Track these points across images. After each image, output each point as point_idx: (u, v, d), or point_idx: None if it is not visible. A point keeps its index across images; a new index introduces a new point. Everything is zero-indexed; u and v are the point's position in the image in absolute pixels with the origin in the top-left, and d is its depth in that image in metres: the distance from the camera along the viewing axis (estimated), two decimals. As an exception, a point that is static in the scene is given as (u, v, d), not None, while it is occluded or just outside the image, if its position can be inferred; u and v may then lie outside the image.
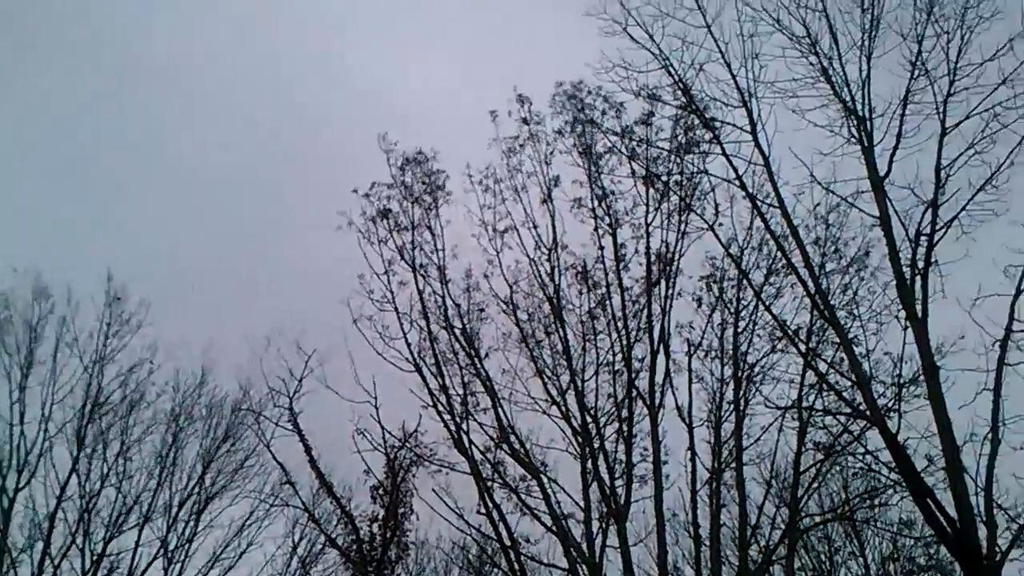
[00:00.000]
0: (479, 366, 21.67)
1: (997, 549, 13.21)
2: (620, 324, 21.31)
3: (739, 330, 21.08)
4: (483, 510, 20.64)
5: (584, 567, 19.78)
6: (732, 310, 21.21)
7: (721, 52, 15.71)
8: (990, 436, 13.70)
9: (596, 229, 21.70)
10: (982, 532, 13.26)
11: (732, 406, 20.58)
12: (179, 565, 22.48)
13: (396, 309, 21.86)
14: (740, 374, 20.80)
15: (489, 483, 20.90)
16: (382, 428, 21.88)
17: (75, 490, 22.75)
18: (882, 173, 14.96)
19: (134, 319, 23.96)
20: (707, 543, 19.98)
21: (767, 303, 19.39)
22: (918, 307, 14.19)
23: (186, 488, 23.14)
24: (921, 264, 14.42)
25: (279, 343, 22.67)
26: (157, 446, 23.43)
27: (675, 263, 21.48)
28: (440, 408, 21.33)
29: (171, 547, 22.52)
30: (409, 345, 21.70)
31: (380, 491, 22.01)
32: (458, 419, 21.28)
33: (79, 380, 23.42)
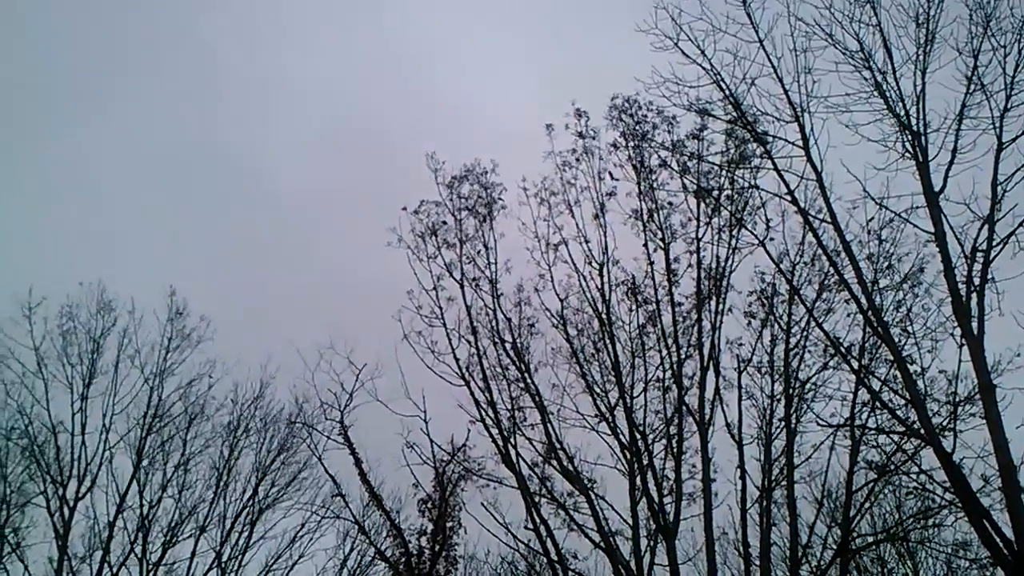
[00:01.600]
0: (529, 380, 21.76)
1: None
2: (670, 340, 21.26)
3: (790, 346, 20.90)
4: (531, 525, 20.71)
5: (633, 583, 19.72)
6: (783, 326, 21.04)
7: (773, 67, 15.65)
8: (1048, 458, 13.45)
9: (647, 244, 21.72)
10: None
11: (783, 423, 20.40)
12: (232, 575, 22.82)
13: (444, 324, 22.15)
14: (791, 391, 20.62)
15: (537, 498, 20.96)
16: (431, 442, 22.12)
17: (135, 500, 23.27)
18: (937, 188, 14.77)
19: (194, 334, 24.54)
20: (757, 562, 19.78)
21: (819, 319, 19.27)
22: (974, 324, 13.95)
23: (241, 499, 23.55)
24: (977, 280, 14.18)
25: (332, 358, 23.02)
26: (214, 458, 23.94)
27: (726, 279, 21.42)
28: (488, 423, 21.50)
29: (225, 557, 22.87)
30: (457, 360, 21.93)
31: (428, 505, 22.14)
32: (506, 433, 21.40)
33: (140, 392, 24.04)
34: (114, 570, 22.46)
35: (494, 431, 21.40)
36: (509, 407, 21.70)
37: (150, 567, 22.56)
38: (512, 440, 21.40)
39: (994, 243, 14.33)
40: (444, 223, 22.71)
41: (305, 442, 23.60)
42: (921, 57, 15.21)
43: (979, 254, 14.31)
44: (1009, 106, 14.72)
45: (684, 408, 20.90)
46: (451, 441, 22.30)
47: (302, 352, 23.09)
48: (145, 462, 23.46)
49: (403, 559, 21.82)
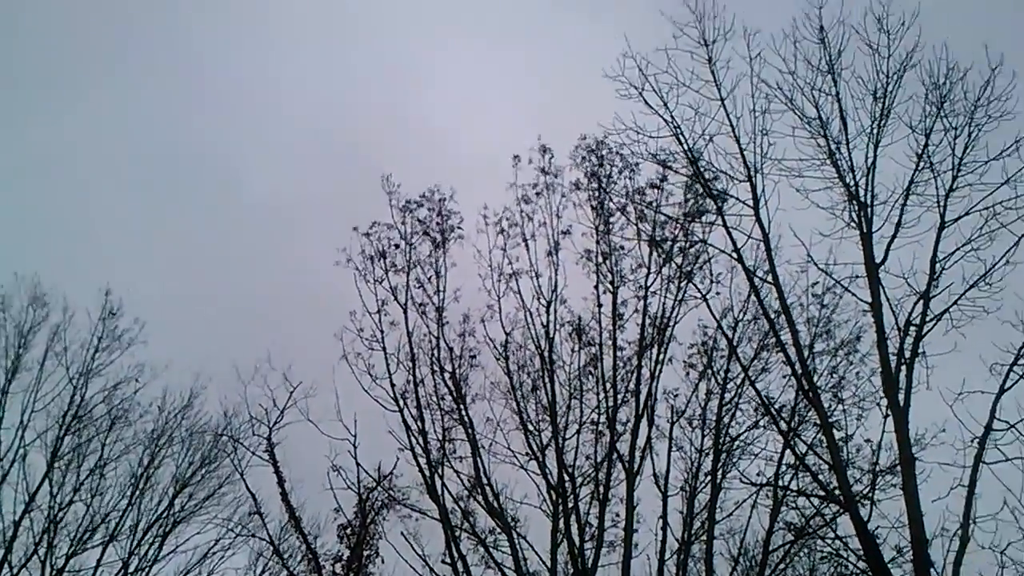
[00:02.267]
0: (463, 412, 21.63)
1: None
2: (608, 384, 21.32)
3: (724, 402, 21.09)
4: (449, 560, 20.48)
5: (546, 628, 19.57)
6: (719, 381, 21.23)
7: (732, 126, 15.91)
8: (960, 533, 13.62)
9: (597, 286, 21.79)
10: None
11: (709, 478, 20.51)
12: (139, 587, 22.13)
13: (384, 348, 21.93)
14: (720, 446, 20.76)
15: (458, 532, 20.78)
16: (358, 466, 21.79)
17: (45, 500, 22.52)
18: (878, 259, 15.05)
19: (127, 335, 23.86)
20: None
21: (753, 378, 19.46)
22: (901, 396, 14.20)
23: (156, 510, 22.88)
24: (908, 354, 14.45)
25: (268, 372, 22.67)
26: (133, 465, 23.21)
27: (669, 329, 21.58)
28: (417, 452, 21.32)
29: (132, 569, 22.14)
30: (393, 386, 21.74)
31: (348, 531, 21.77)
32: (433, 464, 21.22)
33: (63, 391, 23.30)
34: (14, 571, 21.67)
35: (422, 460, 21.26)
36: (440, 437, 21.56)
37: (53, 572, 21.79)
38: (439, 471, 21.25)
39: (928, 319, 14.65)
40: (397, 246, 22.61)
41: (229, 456, 23.12)
42: (875, 130, 15.60)
43: (912, 328, 14.61)
44: (955, 186, 15.13)
45: (615, 454, 20.89)
46: (378, 468, 22.03)
47: (238, 364, 22.76)
48: (60, 463, 22.72)
49: (316, 584, 21.44)
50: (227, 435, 23.23)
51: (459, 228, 22.66)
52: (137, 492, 22.82)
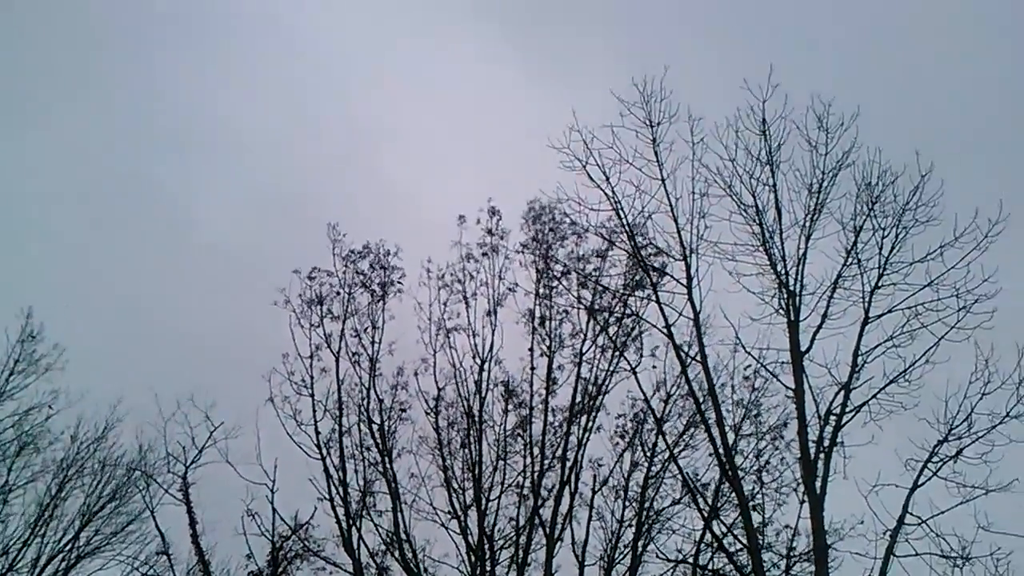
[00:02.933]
0: (388, 465, 21.46)
1: None
2: (536, 448, 21.35)
3: (649, 475, 21.22)
4: (359, 616, 20.17)
5: None
6: (646, 454, 21.39)
7: (671, 205, 16.32)
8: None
9: (532, 348, 21.94)
10: None
11: (628, 549, 20.55)
12: (35, 623, 21.23)
13: (313, 395, 21.78)
14: (642, 519, 20.85)
15: (371, 588, 20.44)
16: (274, 513, 21.37)
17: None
18: (804, 348, 15.44)
19: (44, 360, 23.16)
20: None
21: (678, 455, 19.64)
22: (818, 484, 14.47)
23: (59, 542, 22.04)
24: (827, 442, 14.78)
25: (189, 410, 22.23)
26: (39, 494, 22.41)
27: (600, 397, 21.76)
28: (336, 502, 21.05)
29: (28, 604, 21.30)
30: (318, 433, 21.52)
31: (257, 579, 21.31)
32: (352, 517, 20.96)
33: (-28, 413, 22.46)
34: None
35: (341, 512, 20.98)
36: (361, 489, 21.31)
37: (-56, 601, 20.84)
38: (357, 524, 20.98)
39: (847, 409, 15.02)
40: (337, 294, 22.57)
41: (141, 492, 22.47)
42: (808, 223, 16.08)
43: (832, 417, 14.96)
44: (880, 284, 15.65)
45: (537, 519, 20.85)
46: (295, 516, 21.61)
47: (160, 399, 22.30)
48: (-37, 488, 21.86)
49: (220, 634, 20.86)
50: (141, 470, 22.61)
51: (400, 283, 22.78)
52: (42, 522, 21.98)
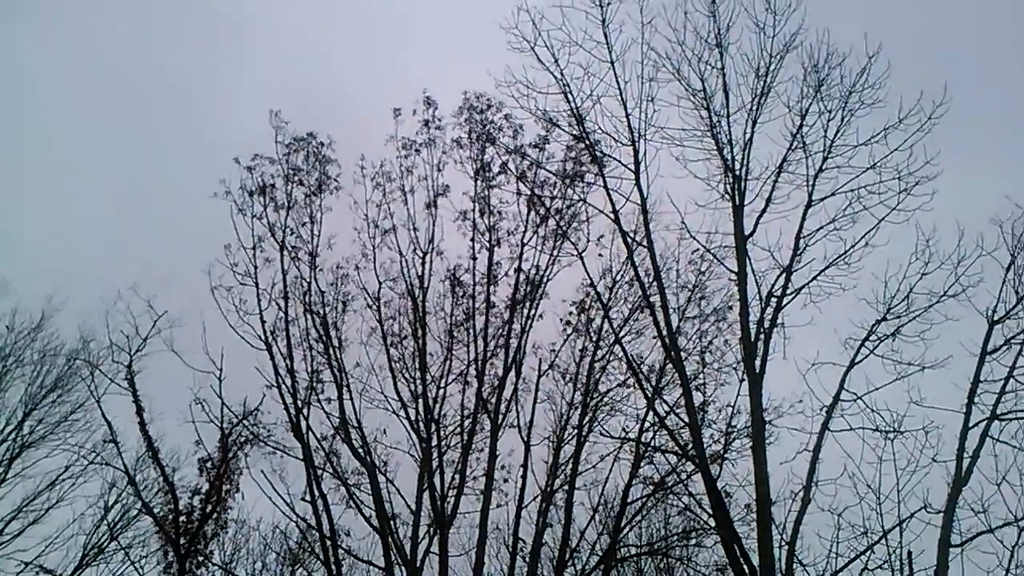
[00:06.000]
0: (333, 354, 21.53)
1: (792, 602, 13.91)
2: (480, 339, 21.56)
3: (596, 359, 21.63)
4: (309, 498, 20.49)
5: (403, 568, 19.84)
6: (592, 339, 21.76)
7: (619, 89, 16.10)
8: (802, 494, 14.47)
9: (474, 241, 21.94)
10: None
11: (575, 431, 21.08)
12: (-19, 511, 21.19)
13: (257, 285, 21.64)
14: (588, 401, 21.34)
15: (320, 472, 20.76)
16: (222, 401, 21.41)
17: None
18: (747, 232, 15.60)
19: (-27, 250, 22.64)
20: (526, 559, 20.35)
21: (622, 338, 19.99)
22: (758, 363, 14.85)
23: (2, 433, 21.87)
24: (767, 323, 15.11)
25: (131, 299, 21.93)
26: (-22, 386, 22.11)
27: (542, 286, 21.97)
28: (284, 390, 21.15)
29: (-25, 491, 21.22)
30: (264, 322, 21.50)
31: (208, 464, 21.44)
32: (300, 404, 21.11)
33: (-97, 304, 21.92)
34: None
35: (288, 399, 21.11)
36: (308, 378, 21.40)
37: None
38: (305, 411, 21.15)
39: (788, 291, 15.31)
40: (273, 186, 22.18)
41: (85, 381, 22.30)
42: (755, 107, 16.02)
43: (773, 299, 15.26)
44: (824, 167, 15.75)
45: (482, 404, 21.21)
46: (243, 404, 21.71)
47: (100, 289, 21.95)
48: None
49: (171, 516, 21.03)
50: (84, 360, 22.41)
51: (336, 180, 22.46)
52: (-18, 414, 21.78)
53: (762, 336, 15.06)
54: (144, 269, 22.27)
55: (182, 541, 20.69)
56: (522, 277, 21.83)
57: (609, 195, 16.21)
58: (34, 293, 23.20)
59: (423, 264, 21.91)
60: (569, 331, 21.99)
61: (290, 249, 21.93)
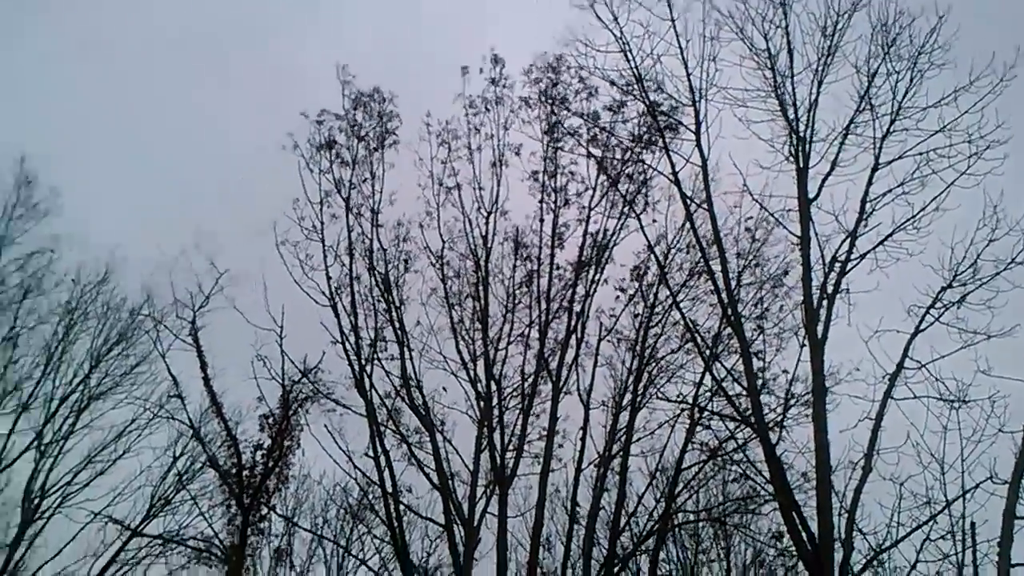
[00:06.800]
0: (394, 313, 21.68)
1: (850, 569, 13.75)
2: (543, 300, 21.52)
3: (652, 324, 21.48)
4: (371, 454, 20.74)
5: (461, 527, 20.05)
6: (648, 305, 21.60)
7: (680, 48, 15.89)
8: (863, 463, 14.23)
9: (542, 202, 21.80)
10: (840, 553, 13.78)
11: (633, 397, 21.01)
12: (51, 460, 21.81)
13: (323, 240, 21.68)
14: (645, 367, 21.23)
15: (383, 429, 20.99)
16: (284, 357, 21.73)
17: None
18: (812, 195, 15.30)
19: (42, 205, 23.20)
20: (583, 522, 20.43)
21: (680, 303, 19.79)
22: (820, 329, 14.60)
23: (70, 384, 22.55)
24: (830, 288, 14.83)
25: (192, 257, 22.34)
26: (47, 337, 22.75)
27: (608, 251, 21.82)
28: (348, 347, 21.30)
29: (46, 441, 21.91)
30: (329, 279, 21.55)
31: (270, 420, 21.87)
32: (364, 361, 21.26)
33: (-26, 258, 22.58)
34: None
35: (352, 356, 21.24)
36: (372, 336, 21.60)
37: (-40, 439, 21.46)
38: (368, 368, 21.30)
39: (853, 256, 14.99)
40: (335, 143, 22.25)
41: (149, 335, 22.84)
42: (821, 67, 15.67)
43: (837, 264, 14.96)
44: (892, 129, 15.38)
45: (543, 368, 21.21)
46: (304, 361, 22.03)
47: (160, 245, 22.33)
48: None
49: (234, 469, 21.54)
50: (148, 315, 22.94)
51: (394, 135, 22.34)
52: (51, 364, 22.44)
53: (825, 301, 14.78)
54: (204, 229, 22.56)
55: (246, 495, 21.16)
56: (588, 240, 21.66)
57: (669, 155, 16.04)
58: (99, 248, 23.76)
59: (487, 224, 21.86)
60: (628, 296, 21.83)
61: (354, 206, 22.00)
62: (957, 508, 14.50)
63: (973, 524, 14.38)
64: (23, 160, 23.29)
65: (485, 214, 21.86)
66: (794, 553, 18.42)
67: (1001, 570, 13.24)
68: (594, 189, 21.73)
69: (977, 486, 14.24)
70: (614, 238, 21.73)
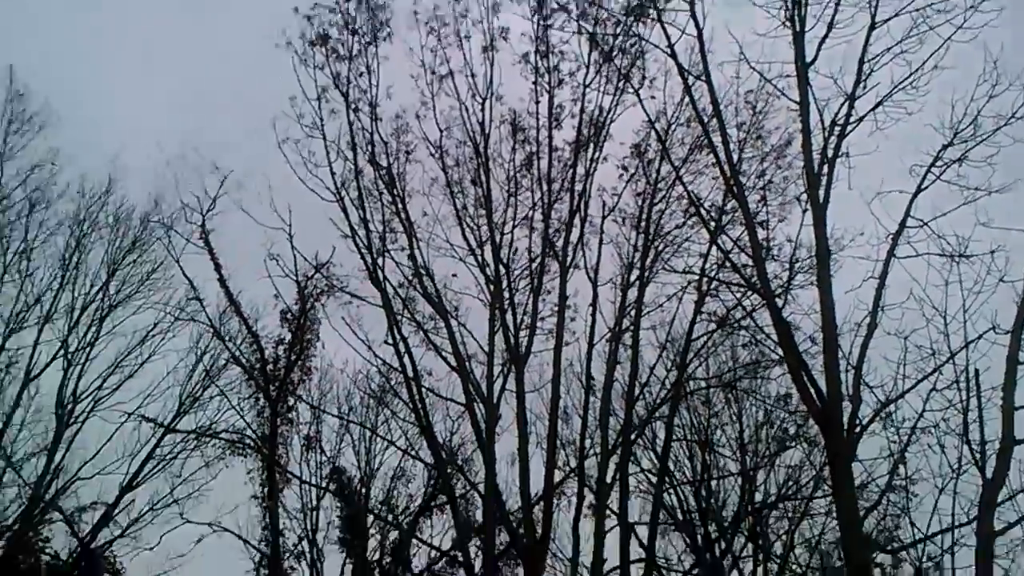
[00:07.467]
0: (400, 206, 21.87)
1: (858, 422, 14.29)
2: (544, 182, 21.64)
3: (655, 200, 21.68)
4: (390, 341, 21.30)
5: (481, 405, 20.74)
6: (651, 181, 21.75)
7: (669, -91, 15.47)
8: (868, 320, 14.63)
9: (536, 84, 21.67)
10: (849, 408, 14.29)
11: (640, 272, 21.39)
12: (79, 367, 22.43)
13: (324, 136, 21.72)
14: (650, 243, 21.54)
15: (399, 318, 21.48)
16: (295, 255, 22.10)
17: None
18: (809, 59, 15.15)
19: (36, 119, 23.03)
20: (598, 394, 21.12)
21: (681, 175, 19.91)
22: (821, 194, 14.74)
23: (89, 293, 22.88)
24: (831, 152, 14.86)
25: (195, 160, 22.44)
26: (60, 248, 22.96)
27: (606, 128, 21.82)
28: (358, 241, 21.61)
29: (71, 349, 22.45)
30: (334, 174, 21.71)
31: (289, 315, 22.35)
32: (375, 253, 21.59)
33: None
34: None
35: (363, 249, 21.57)
36: (380, 229, 21.85)
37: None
38: (380, 261, 21.67)
39: (852, 119, 14.95)
40: (330, 36, 21.96)
41: (160, 240, 23.15)
42: (816, -76, 15.22)
43: (837, 128, 14.91)
44: (888, -15, 15.04)
45: (549, 247, 21.52)
46: (315, 257, 22.40)
47: (162, 151, 22.42)
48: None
49: (258, 365, 22.14)
50: (158, 221, 23.18)
51: (388, 26, 22.07)
52: (68, 275, 22.75)
53: (825, 166, 14.87)
54: (202, 132, 22.51)
55: (271, 387, 21.82)
56: (585, 119, 21.64)
57: (664, 29, 15.82)
58: (99, 159, 23.75)
59: (483, 110, 21.80)
60: (629, 173, 21.97)
61: (353, 100, 21.89)
62: (961, 358, 14.95)
63: (977, 372, 14.84)
64: (11, 71, 23.05)
65: (480, 100, 21.79)
66: (804, 412, 19.17)
67: (1005, 413, 13.81)
68: (588, 66, 21.62)
69: (980, 336, 14.63)
70: (611, 115, 21.76)
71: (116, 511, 22.39)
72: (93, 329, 22.72)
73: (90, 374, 22.60)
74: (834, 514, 18.17)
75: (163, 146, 22.40)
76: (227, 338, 22.55)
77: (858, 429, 14.23)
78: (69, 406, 22.17)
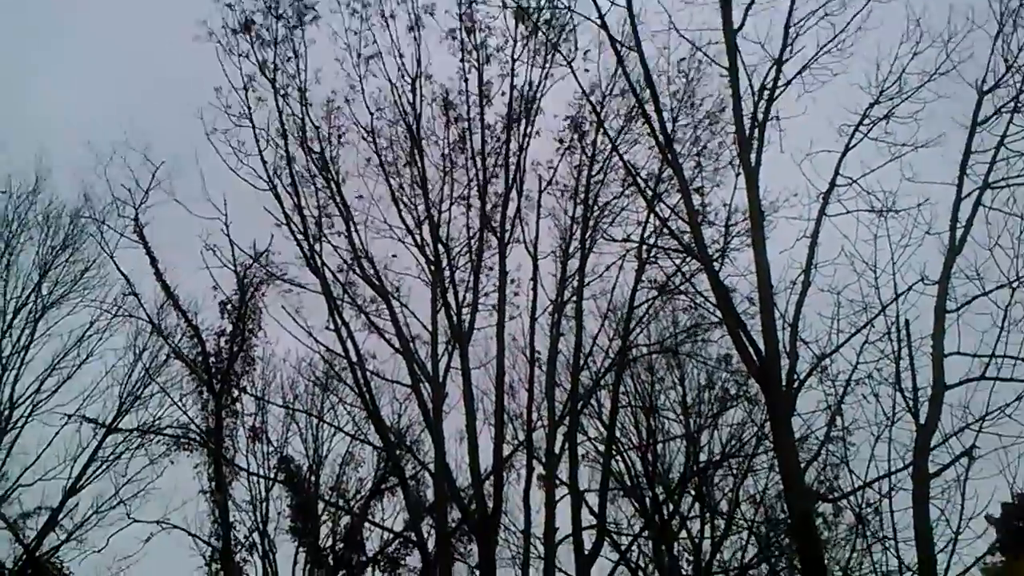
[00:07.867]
0: (335, 189, 21.73)
1: (796, 378, 14.76)
2: (479, 159, 21.69)
3: (593, 172, 21.91)
4: (332, 327, 21.21)
5: (427, 385, 20.82)
6: (588, 153, 21.95)
7: None
8: (802, 278, 15.11)
9: (463, 61, 21.61)
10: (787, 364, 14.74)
11: (580, 243, 21.63)
12: (14, 372, 21.89)
13: (253, 125, 21.35)
14: (589, 214, 21.79)
15: (339, 302, 21.41)
16: (232, 245, 21.83)
17: None
18: (736, 25, 15.45)
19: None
20: (543, 367, 21.36)
21: (617, 146, 20.16)
22: (752, 157, 15.10)
23: (22, 296, 22.32)
24: (761, 116, 15.23)
25: (126, 153, 22.00)
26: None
27: (536, 102, 21.85)
28: (294, 228, 21.43)
29: (6, 353, 21.90)
30: (265, 163, 21.43)
31: (229, 306, 22.12)
32: (312, 239, 21.45)
33: None
34: None
35: (299, 236, 21.39)
36: (316, 214, 21.69)
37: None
38: (318, 246, 21.52)
39: (780, 83, 15.34)
40: (253, 23, 21.61)
41: (93, 237, 22.67)
42: None
43: (766, 92, 15.29)
44: (811, -51, 15.37)
45: (487, 223, 21.63)
46: (253, 246, 22.16)
47: (91, 145, 21.94)
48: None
49: (200, 358, 21.90)
50: (90, 217, 22.70)
51: (314, 9, 21.70)
52: (-1, 279, 22.21)
53: (756, 130, 15.22)
54: (131, 123, 22.09)
55: (214, 380, 21.62)
56: (515, 94, 21.66)
57: (594, 1, 15.95)
58: (26, 156, 23.14)
59: (413, 90, 21.70)
60: (565, 146, 22.12)
61: (281, 87, 21.60)
62: (892, 310, 15.57)
63: (907, 322, 15.41)
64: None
65: (410, 80, 21.66)
66: (744, 371, 19.66)
67: (935, 360, 14.41)
68: (515, 40, 21.59)
69: (909, 288, 15.29)
70: (540, 88, 21.75)
71: (61, 515, 21.95)
72: (27, 332, 22.23)
73: (27, 377, 22.12)
74: (777, 468, 18.68)
75: (92, 141, 21.91)
76: (167, 333, 22.25)
77: (796, 384, 14.76)
78: (6, 412, 21.69)
